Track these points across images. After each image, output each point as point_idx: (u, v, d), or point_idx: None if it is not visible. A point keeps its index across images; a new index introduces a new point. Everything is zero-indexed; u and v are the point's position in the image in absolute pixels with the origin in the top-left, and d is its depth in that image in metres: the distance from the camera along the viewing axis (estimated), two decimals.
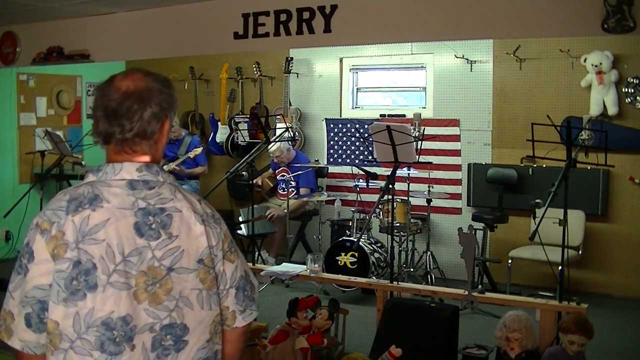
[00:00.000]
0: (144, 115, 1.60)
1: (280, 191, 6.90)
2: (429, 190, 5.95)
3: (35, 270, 1.52)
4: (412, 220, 5.98)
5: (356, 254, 5.81)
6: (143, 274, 1.54)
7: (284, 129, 5.67)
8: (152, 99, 1.61)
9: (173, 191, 1.64)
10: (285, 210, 6.29)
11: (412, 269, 6.03)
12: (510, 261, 5.66)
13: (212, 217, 1.68)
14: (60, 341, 1.50)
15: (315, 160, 6.88)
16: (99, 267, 1.51)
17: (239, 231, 6.45)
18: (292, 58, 7.14)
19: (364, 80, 7.43)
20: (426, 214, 6.15)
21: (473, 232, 4.01)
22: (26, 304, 1.52)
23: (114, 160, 1.63)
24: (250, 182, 5.72)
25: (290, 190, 6.57)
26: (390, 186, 4.55)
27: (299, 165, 6.66)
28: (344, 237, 6.05)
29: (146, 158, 1.64)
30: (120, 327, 1.51)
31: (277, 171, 6.94)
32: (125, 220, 1.55)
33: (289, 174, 6.65)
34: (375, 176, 6.14)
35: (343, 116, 7.32)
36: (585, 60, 5.82)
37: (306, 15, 4.81)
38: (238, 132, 7.32)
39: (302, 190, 6.65)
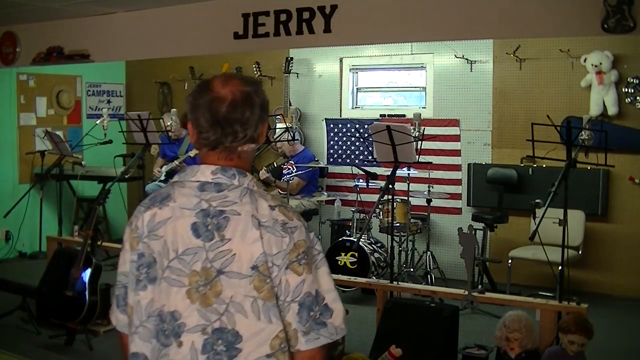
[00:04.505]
0: (252, 120, 1.62)
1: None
2: (429, 190, 5.94)
3: (122, 257, 1.70)
4: (412, 220, 5.98)
5: (356, 254, 5.81)
6: (195, 274, 1.55)
7: (284, 129, 5.68)
8: (255, 102, 1.63)
9: (242, 195, 1.59)
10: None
11: (412, 269, 6.03)
12: (510, 261, 5.66)
13: (283, 225, 1.57)
14: (132, 325, 1.64)
15: (315, 160, 6.88)
16: (158, 261, 1.59)
17: None
18: (292, 58, 7.14)
19: (364, 80, 7.43)
20: (426, 214, 6.15)
21: (473, 232, 4.02)
22: (117, 287, 1.72)
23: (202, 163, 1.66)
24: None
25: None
26: (390, 186, 4.55)
27: (303, 165, 6.68)
28: (344, 237, 6.05)
29: (239, 162, 1.66)
30: (169, 321, 1.56)
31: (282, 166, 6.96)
32: (184, 219, 1.59)
33: (293, 169, 6.67)
34: (375, 176, 6.14)
35: (343, 116, 7.32)
36: (585, 60, 5.82)
37: (306, 15, 4.80)
38: None
39: (296, 180, 6.62)
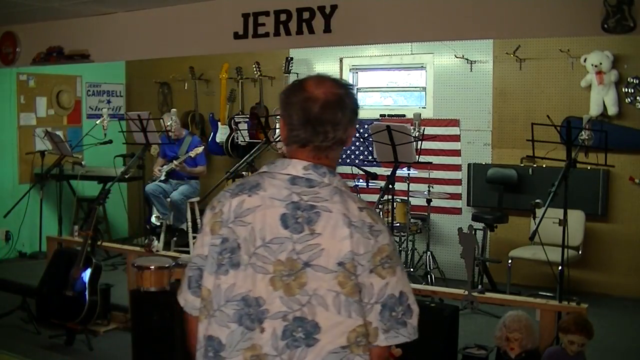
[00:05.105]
0: (343, 122, 1.67)
1: None
2: (429, 190, 5.95)
3: (200, 240, 1.72)
4: (412, 220, 5.98)
5: None
6: (280, 263, 1.59)
7: None
8: (347, 105, 1.68)
9: (333, 194, 1.64)
10: None
11: (412, 269, 6.03)
12: (510, 261, 5.66)
13: (370, 228, 1.62)
14: (209, 309, 1.66)
15: None
16: (243, 247, 1.63)
17: None
18: (292, 58, 7.14)
19: (364, 80, 7.43)
20: (426, 214, 6.15)
21: (473, 232, 4.01)
22: (190, 269, 1.75)
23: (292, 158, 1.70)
24: None
25: None
26: (390, 186, 4.55)
27: None
28: None
29: (326, 161, 1.70)
30: (254, 306, 1.59)
31: None
32: (274, 209, 1.62)
33: None
34: (375, 176, 6.13)
35: None
36: (585, 60, 5.82)
37: (306, 15, 4.80)
38: (238, 132, 7.32)
39: None
